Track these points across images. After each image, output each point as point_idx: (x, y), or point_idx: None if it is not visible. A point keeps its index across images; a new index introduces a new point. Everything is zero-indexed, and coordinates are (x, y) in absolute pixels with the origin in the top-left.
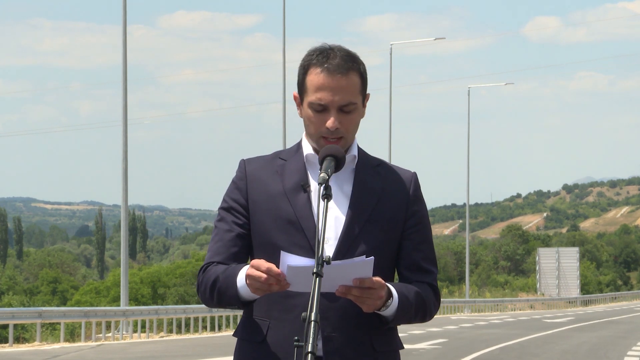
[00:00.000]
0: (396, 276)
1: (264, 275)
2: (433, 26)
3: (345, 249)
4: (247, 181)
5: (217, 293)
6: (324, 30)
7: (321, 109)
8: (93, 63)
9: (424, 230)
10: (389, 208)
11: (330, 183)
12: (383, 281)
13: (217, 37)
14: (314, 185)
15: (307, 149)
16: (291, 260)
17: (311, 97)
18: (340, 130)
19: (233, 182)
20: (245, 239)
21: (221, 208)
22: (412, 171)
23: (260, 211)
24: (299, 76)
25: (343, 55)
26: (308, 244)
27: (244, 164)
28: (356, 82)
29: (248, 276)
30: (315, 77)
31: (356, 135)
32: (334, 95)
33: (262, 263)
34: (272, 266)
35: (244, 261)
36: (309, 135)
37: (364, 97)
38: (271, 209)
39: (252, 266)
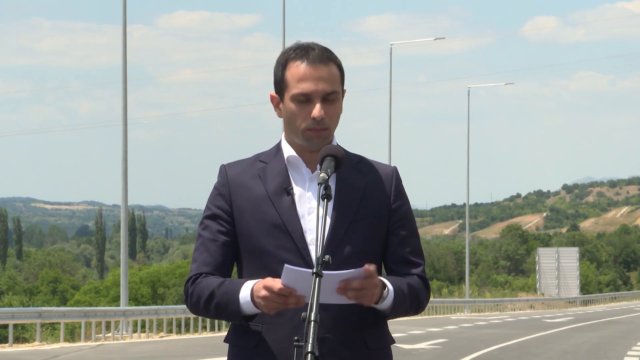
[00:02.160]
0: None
1: (282, 295)
2: (432, 26)
3: (332, 249)
4: (229, 187)
5: (215, 308)
6: (324, 30)
7: (304, 99)
8: (92, 63)
9: (408, 224)
10: (373, 205)
11: (313, 183)
12: (375, 267)
13: (217, 37)
14: (296, 188)
15: (288, 151)
16: (292, 271)
17: (294, 89)
18: (326, 120)
19: (215, 188)
20: (231, 246)
21: (205, 217)
22: (393, 166)
23: (245, 216)
24: (276, 74)
25: (320, 47)
26: (295, 246)
27: (224, 170)
28: (336, 73)
29: (263, 298)
30: (296, 69)
31: (354, 135)
32: (317, 85)
33: (275, 284)
34: (284, 287)
35: (231, 269)
36: (293, 130)
37: (343, 91)
38: (256, 214)
39: (265, 288)
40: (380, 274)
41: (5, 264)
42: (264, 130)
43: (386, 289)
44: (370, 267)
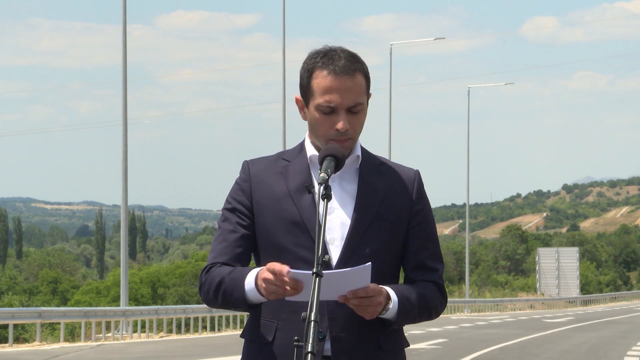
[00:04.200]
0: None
1: (282, 278)
2: (431, 26)
3: (351, 249)
4: (251, 183)
5: (222, 294)
6: (323, 30)
7: (330, 111)
8: (92, 63)
9: (428, 228)
10: (393, 208)
11: (335, 183)
12: (379, 287)
13: (216, 37)
14: (317, 187)
15: (311, 150)
16: (295, 275)
17: (319, 99)
18: (349, 131)
19: (237, 183)
20: (249, 240)
21: (225, 209)
22: (415, 169)
23: (265, 212)
24: (302, 79)
25: (347, 56)
26: (313, 244)
27: (247, 165)
28: (362, 83)
29: (265, 279)
30: (322, 80)
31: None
32: (342, 97)
33: (278, 265)
34: (287, 267)
35: (247, 262)
36: (317, 137)
37: (368, 96)
38: (276, 210)
39: (269, 269)
40: (397, 276)
41: (5, 264)
42: (263, 130)
43: (390, 301)
44: (369, 287)
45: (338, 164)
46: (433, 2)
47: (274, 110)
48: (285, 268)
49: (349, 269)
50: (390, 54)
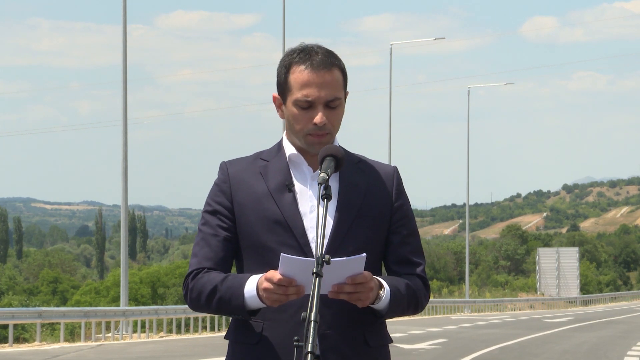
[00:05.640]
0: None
1: (282, 286)
2: (431, 26)
3: (335, 247)
4: (230, 183)
5: (218, 302)
6: (322, 30)
7: (307, 106)
8: (92, 63)
9: (409, 223)
10: (375, 204)
11: (316, 181)
12: (369, 273)
13: (216, 37)
14: (298, 186)
15: (290, 149)
16: (289, 260)
17: (297, 94)
18: (327, 125)
19: (216, 184)
20: (231, 242)
21: (205, 212)
22: (393, 165)
23: (247, 213)
24: (279, 76)
25: (324, 52)
26: (297, 243)
27: (225, 166)
28: (339, 78)
29: (265, 289)
30: (300, 74)
31: (354, 135)
32: (320, 91)
33: (275, 275)
34: (282, 277)
35: (231, 265)
36: (295, 133)
37: (345, 93)
38: (257, 210)
39: (266, 279)
40: (380, 272)
41: (5, 264)
42: (263, 130)
43: (382, 289)
44: (365, 273)
45: (338, 164)
46: (433, 2)
47: (274, 110)
48: (276, 275)
49: (345, 258)
50: (390, 54)
